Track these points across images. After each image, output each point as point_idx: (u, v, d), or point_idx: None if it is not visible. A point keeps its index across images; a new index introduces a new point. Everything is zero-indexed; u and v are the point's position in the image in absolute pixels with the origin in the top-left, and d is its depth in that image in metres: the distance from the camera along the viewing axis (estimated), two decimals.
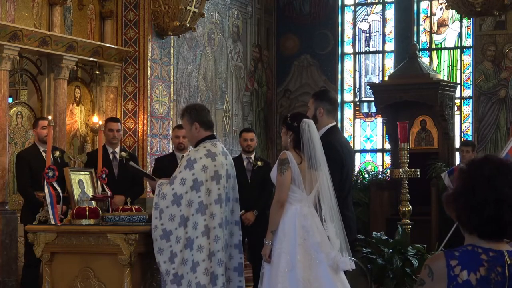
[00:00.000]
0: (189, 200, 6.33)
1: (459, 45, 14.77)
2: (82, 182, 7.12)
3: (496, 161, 2.83)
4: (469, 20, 14.35)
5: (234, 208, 6.63)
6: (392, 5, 15.18)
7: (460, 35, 14.78)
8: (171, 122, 11.82)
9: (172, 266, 6.31)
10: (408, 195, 9.69)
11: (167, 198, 6.36)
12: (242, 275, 6.67)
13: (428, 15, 15.00)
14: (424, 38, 15.01)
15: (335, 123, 6.88)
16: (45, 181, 6.90)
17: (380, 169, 14.77)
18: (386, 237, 9.52)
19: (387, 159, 14.76)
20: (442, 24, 14.97)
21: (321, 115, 6.70)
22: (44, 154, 8.89)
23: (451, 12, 14.13)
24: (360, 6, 15.50)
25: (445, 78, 14.39)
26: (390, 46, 15.20)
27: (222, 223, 6.43)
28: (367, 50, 15.46)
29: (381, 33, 15.32)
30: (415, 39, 14.71)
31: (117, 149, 9.36)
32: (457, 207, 2.82)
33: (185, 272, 6.30)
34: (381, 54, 15.33)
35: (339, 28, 15.40)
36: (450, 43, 14.88)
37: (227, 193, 6.52)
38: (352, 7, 15.49)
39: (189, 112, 6.60)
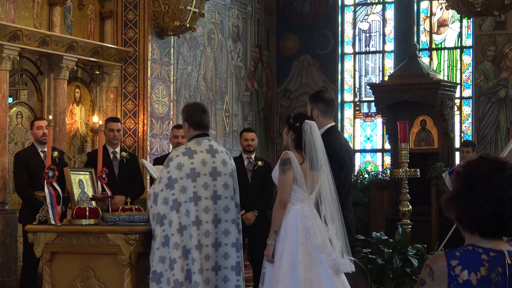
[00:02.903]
0: (165, 198, 6.38)
1: (459, 45, 14.76)
2: (82, 182, 7.12)
3: (491, 159, 2.85)
4: (469, 20, 14.34)
5: (229, 206, 6.58)
6: (392, 5, 15.18)
7: (460, 35, 14.77)
8: (171, 122, 11.82)
9: (151, 264, 6.36)
10: (408, 195, 9.69)
11: (151, 199, 6.46)
12: (240, 274, 6.61)
13: (428, 15, 15.00)
14: (424, 38, 15.01)
15: (333, 124, 6.88)
16: (45, 181, 6.90)
17: (380, 169, 14.76)
18: (386, 237, 9.53)
19: (387, 159, 14.75)
20: (442, 24, 14.96)
21: (317, 116, 6.72)
22: (42, 154, 8.90)
23: (451, 12, 14.12)
24: (360, 6, 15.49)
25: (445, 78, 14.38)
26: (390, 46, 15.19)
27: (201, 221, 6.41)
28: (367, 50, 15.45)
29: (381, 33, 15.31)
30: (415, 39, 14.71)
31: (118, 149, 9.37)
32: (457, 207, 2.83)
33: (164, 269, 6.31)
34: (381, 54, 15.32)
35: (339, 28, 15.40)
36: (450, 43, 14.88)
37: (216, 191, 6.49)
38: (352, 7, 15.49)
39: (183, 112, 6.79)
